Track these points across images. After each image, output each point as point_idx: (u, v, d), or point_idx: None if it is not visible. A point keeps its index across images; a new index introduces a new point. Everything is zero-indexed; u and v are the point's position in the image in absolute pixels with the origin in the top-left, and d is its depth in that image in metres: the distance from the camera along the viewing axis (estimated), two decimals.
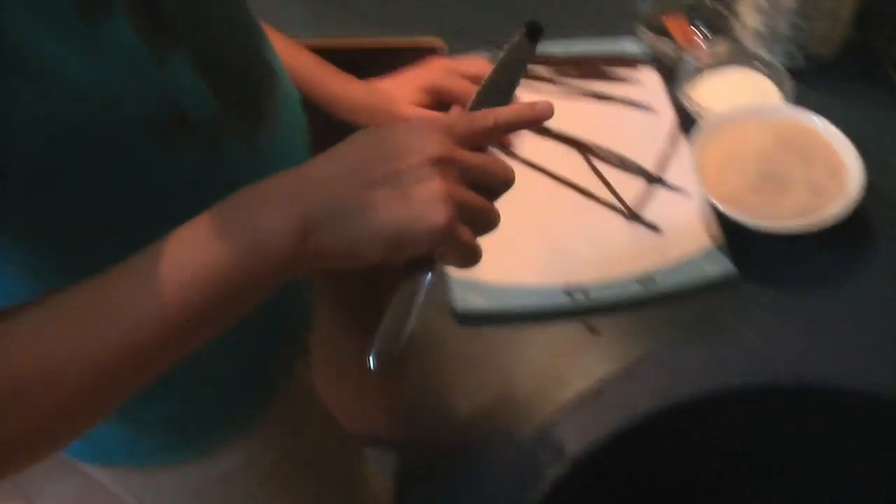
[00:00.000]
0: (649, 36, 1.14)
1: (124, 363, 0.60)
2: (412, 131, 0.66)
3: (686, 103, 1.07)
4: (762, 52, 1.10)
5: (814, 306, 0.93)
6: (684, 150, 1.04)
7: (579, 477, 0.84)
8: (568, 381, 0.89)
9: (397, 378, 1.06)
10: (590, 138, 1.07)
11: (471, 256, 0.67)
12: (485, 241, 0.95)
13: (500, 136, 0.71)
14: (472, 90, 0.93)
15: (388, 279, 0.70)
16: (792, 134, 0.99)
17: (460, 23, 1.26)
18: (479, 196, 0.67)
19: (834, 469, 0.94)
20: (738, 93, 1.08)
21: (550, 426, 0.86)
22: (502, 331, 0.94)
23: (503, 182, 0.69)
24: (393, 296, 0.68)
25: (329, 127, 1.00)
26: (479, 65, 1.03)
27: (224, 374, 0.91)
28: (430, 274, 0.68)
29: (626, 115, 1.10)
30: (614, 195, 1.01)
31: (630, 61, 1.15)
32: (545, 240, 0.98)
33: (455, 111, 0.98)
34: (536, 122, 0.74)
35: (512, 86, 0.77)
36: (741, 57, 1.11)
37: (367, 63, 1.25)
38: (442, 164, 0.64)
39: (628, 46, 1.17)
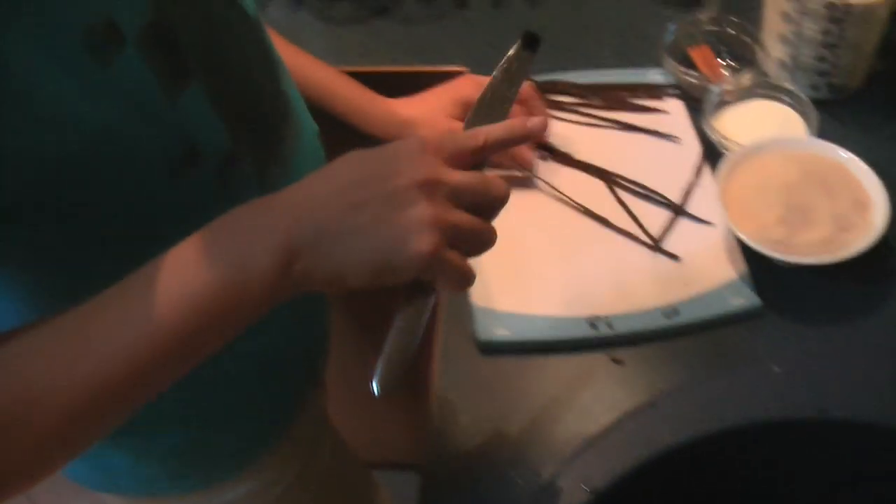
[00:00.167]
0: (674, 66, 1.15)
1: (109, 390, 0.59)
2: (400, 153, 0.65)
3: (711, 134, 1.07)
4: (787, 83, 1.10)
5: (838, 339, 0.93)
6: (709, 181, 1.05)
7: None
8: (591, 412, 0.90)
9: (416, 404, 1.06)
10: (614, 168, 1.07)
11: (461, 280, 0.66)
12: (508, 271, 0.97)
13: (492, 153, 0.70)
14: None
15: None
16: (817, 166, 1.00)
17: (485, 51, 1.26)
18: (470, 217, 0.65)
19: (856, 502, 0.94)
20: (762, 124, 1.08)
21: (573, 458, 0.87)
22: (525, 361, 0.94)
23: (496, 200, 0.68)
24: (395, 320, 0.67)
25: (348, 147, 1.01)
26: None
27: (235, 404, 0.90)
28: (430, 298, 0.67)
29: (650, 145, 1.10)
30: (638, 226, 1.01)
31: (655, 91, 1.15)
32: (569, 270, 0.98)
33: None
34: (529, 139, 0.73)
35: (509, 98, 0.76)
36: (766, 88, 1.11)
37: (393, 88, 1.26)
38: (430, 186, 0.63)
39: (653, 77, 1.17)
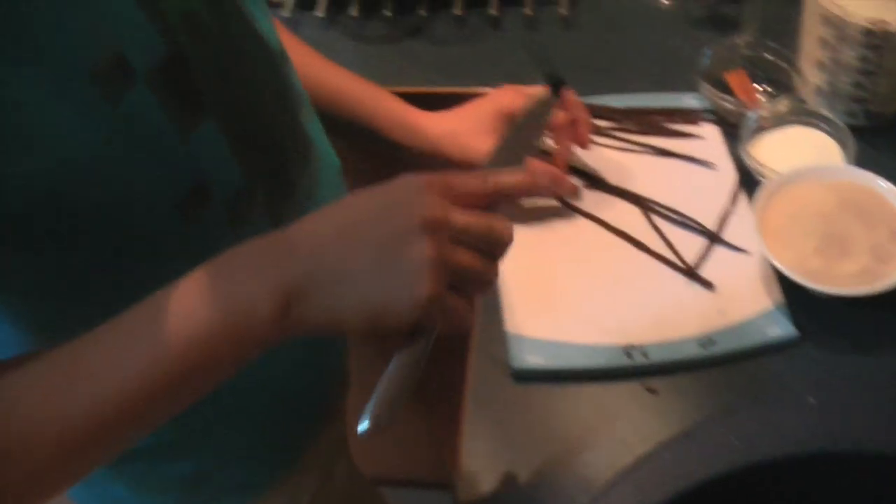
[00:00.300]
0: (710, 91, 1.14)
1: (105, 423, 0.59)
2: (404, 192, 0.64)
3: (747, 161, 1.07)
4: (823, 110, 1.10)
5: (874, 371, 0.92)
6: (745, 208, 1.04)
7: None
8: (625, 442, 0.89)
9: (444, 425, 1.06)
10: (649, 194, 1.07)
11: (460, 322, 0.65)
12: (541, 297, 0.97)
13: (499, 200, 0.69)
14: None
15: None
16: (855, 195, 0.99)
17: (518, 73, 1.26)
18: (472, 257, 0.65)
19: None
20: (799, 151, 1.08)
21: (607, 489, 0.86)
22: (559, 389, 0.93)
23: (500, 242, 0.67)
24: (392, 360, 0.66)
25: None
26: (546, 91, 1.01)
27: (242, 437, 0.90)
28: (429, 340, 0.66)
29: (686, 171, 1.09)
30: (674, 253, 1.00)
31: (691, 117, 1.14)
32: (604, 297, 0.98)
33: None
34: (534, 194, 0.73)
35: (532, 139, 0.76)
36: (802, 114, 1.10)
37: (426, 109, 1.26)
38: (432, 226, 0.62)
39: (689, 101, 1.16)
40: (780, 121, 1.11)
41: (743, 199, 1.05)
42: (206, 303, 0.60)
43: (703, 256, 1.00)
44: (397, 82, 1.27)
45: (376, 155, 1.12)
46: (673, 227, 1.04)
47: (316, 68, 1.03)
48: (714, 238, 1.02)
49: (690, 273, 0.99)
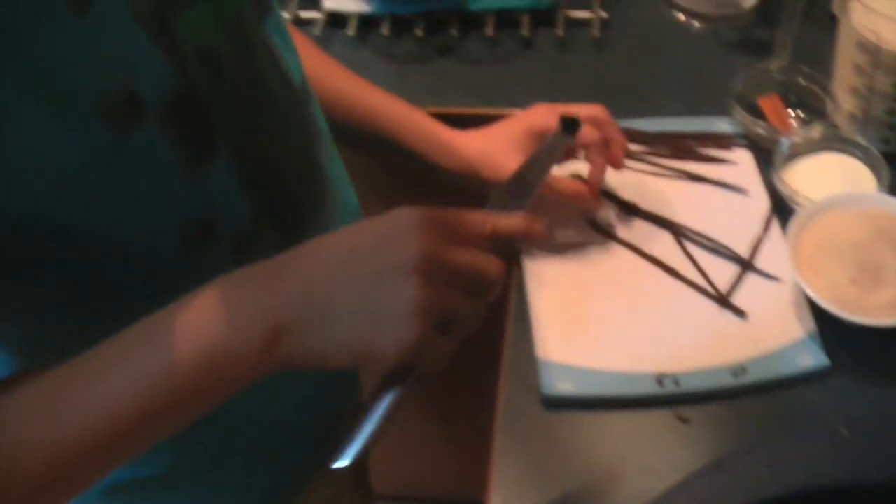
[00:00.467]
0: (743, 116, 1.14)
1: (93, 445, 0.59)
2: (399, 230, 0.63)
3: (780, 187, 1.06)
4: (857, 136, 1.09)
5: None
6: (777, 235, 1.03)
7: None
8: (655, 471, 0.89)
9: (470, 445, 1.06)
10: (681, 219, 1.06)
11: (440, 363, 0.65)
12: (573, 324, 0.97)
13: (492, 243, 0.68)
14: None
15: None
16: (889, 224, 0.98)
17: (550, 93, 1.26)
18: (462, 298, 0.64)
19: None
20: (832, 178, 1.07)
21: None
22: (589, 416, 0.93)
23: (491, 284, 0.66)
24: (371, 399, 0.65)
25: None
26: (584, 109, 1.00)
27: (246, 469, 0.89)
28: (409, 380, 0.65)
29: (718, 196, 1.09)
30: (706, 280, 1.00)
31: (723, 141, 1.14)
32: (635, 324, 0.98)
33: None
34: (529, 242, 0.72)
35: (538, 178, 0.76)
36: (836, 140, 1.10)
37: (454, 128, 1.26)
38: (425, 268, 0.61)
39: (722, 126, 1.16)
40: (813, 147, 1.10)
41: (775, 225, 1.05)
42: (194, 333, 0.60)
43: (736, 284, 1.00)
44: (428, 102, 1.27)
45: (399, 172, 1.12)
46: (705, 254, 1.03)
47: (348, 85, 1.03)
48: (747, 265, 1.01)
49: (723, 301, 0.98)
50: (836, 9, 1.26)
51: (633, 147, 1.14)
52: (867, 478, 0.87)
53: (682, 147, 1.13)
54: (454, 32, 1.35)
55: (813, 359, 0.93)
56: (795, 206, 1.04)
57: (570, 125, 0.78)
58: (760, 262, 1.01)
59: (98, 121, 0.58)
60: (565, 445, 0.92)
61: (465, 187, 1.03)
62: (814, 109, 1.16)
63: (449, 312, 0.63)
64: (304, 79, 0.81)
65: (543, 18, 1.35)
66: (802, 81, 1.17)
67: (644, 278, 1.02)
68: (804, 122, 1.16)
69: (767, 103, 1.17)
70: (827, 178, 1.07)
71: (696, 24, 1.35)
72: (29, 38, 0.54)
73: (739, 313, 0.97)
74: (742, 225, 1.05)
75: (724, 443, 0.90)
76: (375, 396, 0.65)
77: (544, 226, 0.71)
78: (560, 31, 1.33)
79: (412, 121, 1.05)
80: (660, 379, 0.93)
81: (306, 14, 1.40)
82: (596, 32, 1.33)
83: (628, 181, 1.10)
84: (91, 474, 0.62)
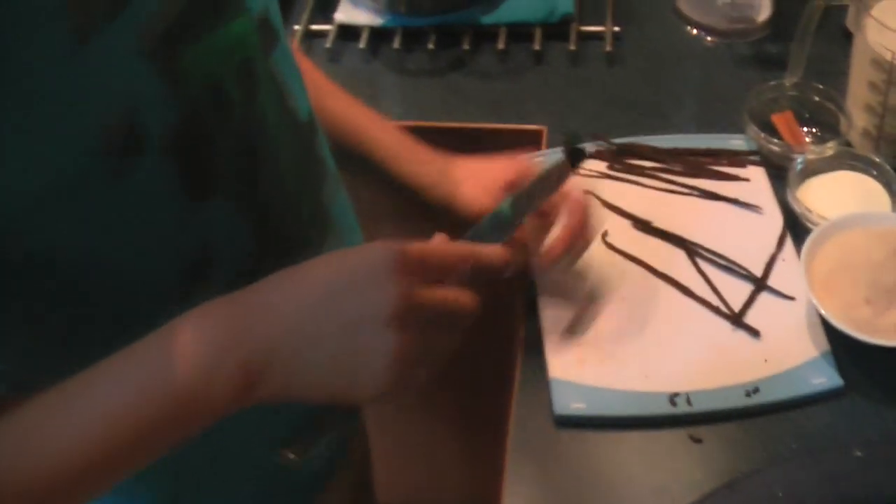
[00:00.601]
0: (756, 132, 1.13)
1: (67, 478, 0.58)
2: (372, 272, 0.61)
3: (794, 205, 1.06)
4: (872, 155, 1.09)
5: None
6: (790, 253, 1.03)
7: None
8: (668, 491, 0.88)
9: (479, 457, 1.05)
10: (694, 237, 1.06)
11: (415, 391, 0.65)
12: (586, 342, 0.96)
13: (474, 277, 0.67)
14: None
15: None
16: None
17: (562, 108, 1.26)
18: (437, 334, 0.64)
19: None
20: (846, 196, 1.07)
21: None
22: (601, 435, 0.93)
23: (466, 318, 0.65)
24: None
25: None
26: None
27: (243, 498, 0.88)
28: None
29: (731, 213, 1.08)
30: (719, 299, 1.00)
31: (737, 158, 1.13)
32: (648, 343, 0.97)
33: None
34: (511, 273, 0.72)
35: (529, 209, 0.76)
36: (849, 158, 1.09)
37: (471, 143, 1.26)
38: (399, 317, 0.60)
39: (735, 143, 1.16)
40: (827, 164, 1.10)
41: (789, 244, 1.04)
42: (166, 369, 0.59)
43: (749, 303, 0.99)
44: (439, 116, 1.27)
45: (392, 193, 1.10)
46: (718, 272, 1.03)
47: (339, 106, 0.99)
48: (760, 284, 1.01)
49: (736, 320, 0.98)
50: (849, 24, 1.26)
51: (647, 164, 1.14)
52: (881, 499, 0.86)
53: (696, 164, 1.13)
54: (466, 46, 1.34)
55: (827, 379, 0.93)
56: (809, 224, 1.03)
57: (576, 156, 0.77)
58: (774, 281, 1.01)
59: (97, 153, 0.57)
60: (577, 465, 0.91)
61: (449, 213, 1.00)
62: (827, 126, 1.15)
63: (421, 353, 0.63)
64: (311, 112, 0.80)
65: (555, 32, 1.35)
66: (816, 98, 1.17)
67: (657, 297, 1.01)
68: (818, 139, 1.15)
69: (781, 120, 1.16)
70: (841, 195, 1.07)
71: (709, 38, 1.34)
72: (24, 62, 0.52)
73: (753, 332, 0.97)
74: (755, 243, 1.05)
75: (737, 463, 0.90)
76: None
77: (512, 270, 0.71)
78: (572, 46, 1.33)
79: (377, 140, 1.00)
80: (672, 398, 0.92)
81: (317, 27, 1.40)
82: (608, 47, 1.33)
83: (641, 198, 1.10)
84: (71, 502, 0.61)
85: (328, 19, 1.39)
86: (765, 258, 1.03)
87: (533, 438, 0.93)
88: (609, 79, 1.30)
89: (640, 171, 1.13)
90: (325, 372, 0.61)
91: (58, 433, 0.58)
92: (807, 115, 1.18)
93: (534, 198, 0.79)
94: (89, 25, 0.54)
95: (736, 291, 1.00)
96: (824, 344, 0.95)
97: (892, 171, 1.06)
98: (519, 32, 1.36)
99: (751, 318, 0.98)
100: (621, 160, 1.14)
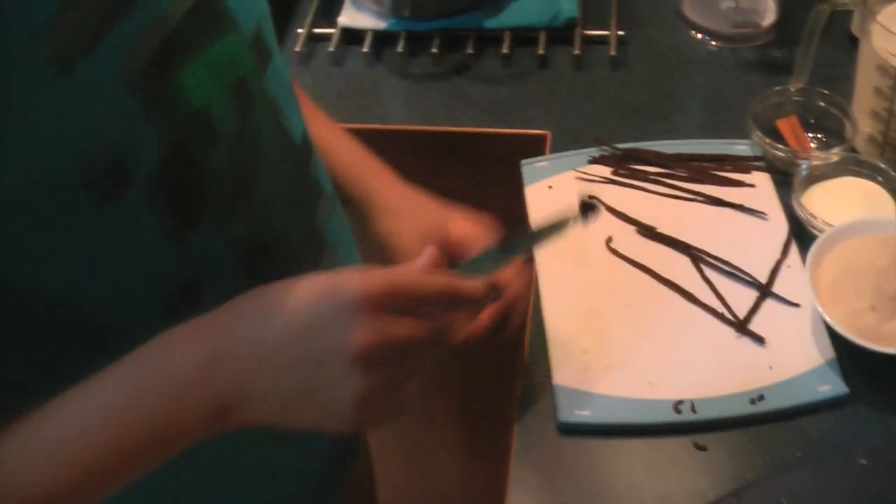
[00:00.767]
0: (761, 138, 1.13)
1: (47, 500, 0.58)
2: (339, 311, 0.60)
3: (799, 211, 1.05)
4: (877, 161, 1.08)
5: None
6: (796, 260, 1.03)
7: None
8: (672, 499, 0.88)
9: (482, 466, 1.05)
10: (698, 243, 1.05)
11: (399, 414, 0.64)
12: (590, 350, 0.96)
13: (448, 308, 0.66)
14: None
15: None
16: None
17: (566, 113, 1.25)
18: (410, 365, 0.63)
19: None
20: (852, 202, 1.06)
21: None
22: (605, 443, 0.92)
23: (438, 350, 0.65)
24: None
25: None
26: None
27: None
28: None
29: (736, 219, 1.08)
30: (724, 306, 0.99)
31: (742, 164, 1.13)
32: (653, 350, 0.97)
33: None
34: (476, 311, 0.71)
35: (525, 250, 0.77)
36: (854, 164, 1.09)
37: (474, 148, 1.26)
38: (364, 359, 0.59)
39: (740, 148, 1.15)
40: (832, 170, 1.09)
41: (794, 250, 1.04)
42: (140, 404, 0.59)
43: (754, 310, 0.99)
44: (443, 120, 1.27)
45: None
46: (723, 279, 1.02)
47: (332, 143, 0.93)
48: (765, 291, 1.00)
49: (741, 327, 0.97)
50: (855, 29, 1.26)
51: (651, 169, 1.13)
52: None
53: (701, 169, 1.13)
54: (470, 50, 1.34)
55: (831, 387, 0.93)
56: (814, 231, 1.03)
57: (588, 209, 0.76)
58: (779, 288, 1.01)
59: (79, 187, 0.56)
60: (581, 472, 0.91)
61: None
62: (833, 132, 1.15)
63: (395, 384, 0.62)
64: (305, 132, 0.78)
65: (560, 37, 1.35)
66: (821, 103, 1.17)
67: (662, 303, 1.01)
68: (823, 145, 1.15)
69: (786, 125, 1.16)
70: (846, 202, 1.06)
71: (713, 43, 1.34)
72: (2, 95, 0.50)
73: (758, 339, 0.96)
74: (760, 249, 1.04)
75: (742, 471, 0.89)
76: None
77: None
78: (577, 50, 1.33)
79: (344, 164, 0.93)
80: (677, 406, 0.92)
81: (321, 30, 1.40)
82: (612, 51, 1.32)
83: (646, 203, 1.10)
84: None
85: (332, 23, 1.39)
86: (770, 264, 1.03)
87: (537, 445, 0.93)
88: (613, 83, 1.29)
89: (645, 177, 1.12)
90: (295, 405, 0.61)
91: (32, 453, 0.58)
92: (812, 121, 1.17)
93: (534, 241, 0.79)
94: (70, 54, 0.52)
95: (741, 298, 1.00)
96: (829, 351, 0.95)
97: None
98: (523, 37, 1.35)
99: (755, 325, 0.98)
100: (625, 165, 1.13)
